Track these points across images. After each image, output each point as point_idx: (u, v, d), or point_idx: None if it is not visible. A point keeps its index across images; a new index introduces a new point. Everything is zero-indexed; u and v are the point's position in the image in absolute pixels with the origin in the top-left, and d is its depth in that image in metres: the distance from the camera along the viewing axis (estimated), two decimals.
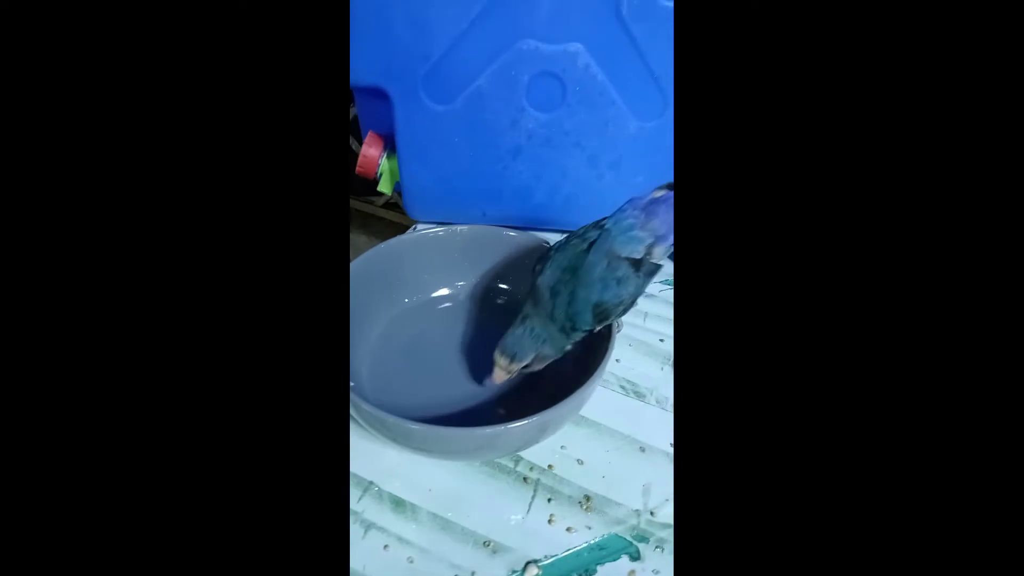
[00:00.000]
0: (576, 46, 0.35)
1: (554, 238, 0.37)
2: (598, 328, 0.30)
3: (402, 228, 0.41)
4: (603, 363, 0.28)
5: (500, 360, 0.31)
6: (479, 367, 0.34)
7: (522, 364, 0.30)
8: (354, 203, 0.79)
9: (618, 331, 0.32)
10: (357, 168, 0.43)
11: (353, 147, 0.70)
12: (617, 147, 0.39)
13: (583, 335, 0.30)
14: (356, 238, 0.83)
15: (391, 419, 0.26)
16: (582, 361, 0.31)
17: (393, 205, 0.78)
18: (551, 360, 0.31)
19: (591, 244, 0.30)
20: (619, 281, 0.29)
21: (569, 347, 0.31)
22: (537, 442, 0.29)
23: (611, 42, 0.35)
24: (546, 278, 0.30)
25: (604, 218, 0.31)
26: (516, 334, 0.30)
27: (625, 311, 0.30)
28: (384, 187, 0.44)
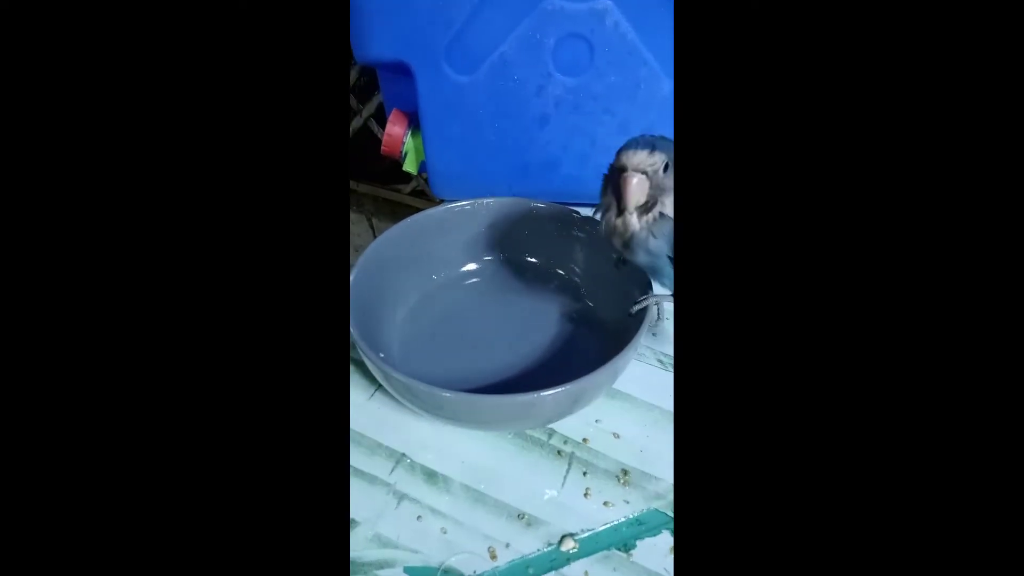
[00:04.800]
0: (604, 3, 0.34)
1: (584, 212, 0.36)
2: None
3: None
4: (638, 334, 0.27)
5: (633, 157, 0.23)
6: (509, 340, 0.34)
7: (663, 161, 0.24)
8: (381, 192, 0.79)
9: (659, 321, 0.30)
10: (382, 148, 0.42)
11: (377, 133, 0.70)
12: (649, 111, 0.38)
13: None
14: (384, 227, 0.83)
15: (423, 387, 0.25)
16: (617, 334, 0.30)
17: (420, 193, 0.77)
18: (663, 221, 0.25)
19: None
20: None
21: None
22: (570, 413, 0.28)
23: None
24: None
25: None
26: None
27: None
28: (409, 166, 0.44)
